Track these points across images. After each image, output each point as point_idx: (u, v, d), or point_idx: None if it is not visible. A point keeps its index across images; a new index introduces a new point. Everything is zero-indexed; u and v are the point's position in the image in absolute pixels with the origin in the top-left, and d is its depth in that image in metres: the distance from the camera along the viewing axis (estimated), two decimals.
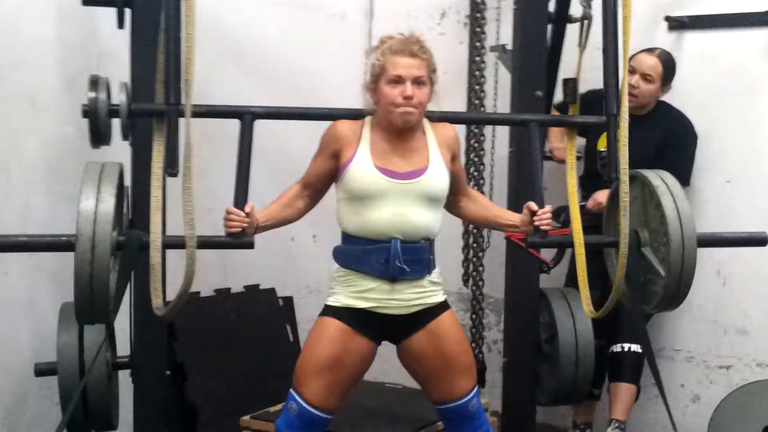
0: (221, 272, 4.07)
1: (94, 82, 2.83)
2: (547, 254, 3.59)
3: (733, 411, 3.52)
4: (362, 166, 2.60)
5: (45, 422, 3.42)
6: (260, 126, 4.15)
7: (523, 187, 3.19)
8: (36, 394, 3.43)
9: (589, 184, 3.69)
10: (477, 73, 3.70)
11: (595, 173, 3.66)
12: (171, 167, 2.16)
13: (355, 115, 2.72)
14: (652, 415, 3.83)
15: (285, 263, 4.40)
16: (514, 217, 2.82)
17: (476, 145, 3.80)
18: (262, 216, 2.63)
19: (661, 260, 2.77)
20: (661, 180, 2.77)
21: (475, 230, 3.85)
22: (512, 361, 3.53)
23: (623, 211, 2.64)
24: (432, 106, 2.66)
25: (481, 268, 3.87)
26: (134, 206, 3.05)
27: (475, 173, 3.78)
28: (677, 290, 2.76)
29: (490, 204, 2.94)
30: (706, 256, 3.73)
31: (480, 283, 3.89)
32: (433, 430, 2.98)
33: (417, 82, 2.55)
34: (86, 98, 2.83)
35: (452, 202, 2.81)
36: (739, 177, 3.72)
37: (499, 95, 3.77)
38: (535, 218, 2.71)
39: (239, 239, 2.57)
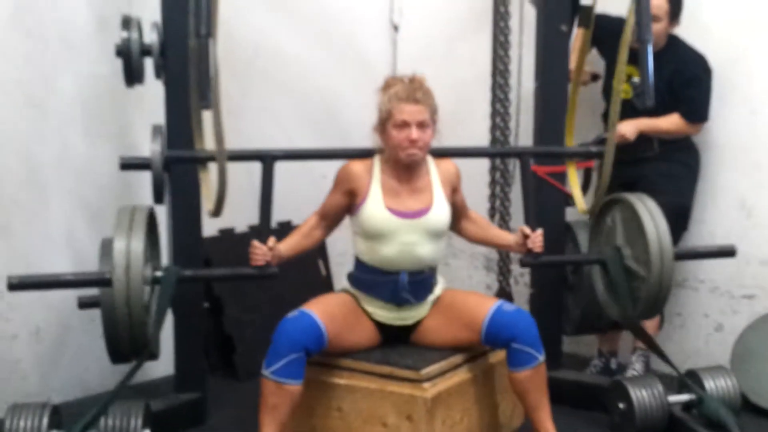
0: (255, 209, 4.12)
1: (126, 22, 2.90)
2: None
3: (756, 339, 3.56)
4: (375, 208, 2.90)
5: (89, 353, 3.54)
6: (289, 63, 4.21)
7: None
8: (79, 327, 3.54)
9: (607, 118, 3.70)
10: (502, 8, 3.70)
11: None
12: (204, 100, 2.24)
13: (366, 153, 2.97)
14: (676, 344, 3.88)
15: (317, 200, 4.42)
16: (509, 239, 3.13)
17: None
18: (284, 247, 2.96)
19: (642, 279, 3.03)
20: (645, 208, 3.03)
21: (501, 165, 3.89)
22: (539, 293, 3.61)
23: (614, 109, 2.88)
24: (434, 142, 2.91)
25: (507, 203, 3.91)
26: (169, 144, 3.12)
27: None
28: (654, 304, 3.06)
29: (489, 225, 3.25)
30: (730, 187, 3.76)
31: (507, 217, 3.93)
32: (461, 358, 3.03)
33: (420, 125, 2.81)
34: (119, 38, 2.90)
35: (455, 225, 3.12)
36: (765, 107, 3.69)
37: (524, 31, 3.77)
38: (528, 241, 3.03)
39: (263, 271, 2.90)
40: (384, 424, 2.85)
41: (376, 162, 2.96)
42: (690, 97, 3.58)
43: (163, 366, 3.61)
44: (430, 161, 2.99)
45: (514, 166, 3.93)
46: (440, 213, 2.94)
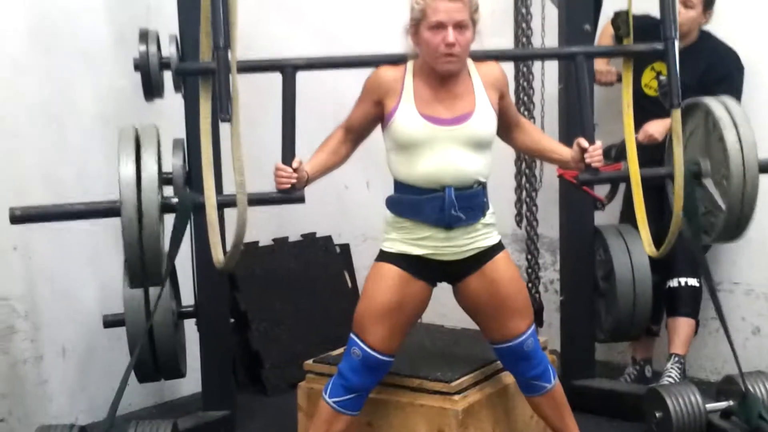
0: (278, 222, 4.12)
1: (144, 35, 2.87)
2: (601, 191, 3.57)
3: None
4: (407, 116, 2.59)
5: (116, 372, 3.46)
6: (308, 74, 4.16)
7: (574, 123, 3.18)
8: (105, 346, 3.52)
9: (636, 118, 3.63)
10: (523, 10, 3.64)
11: (642, 107, 3.60)
12: (223, 112, 2.19)
13: (397, 60, 2.70)
14: (712, 349, 3.81)
15: (340, 211, 4.43)
16: (564, 153, 2.82)
17: (525, 84, 3.76)
18: (310, 168, 2.68)
19: (722, 193, 2.74)
20: (725, 110, 2.72)
21: (527, 170, 3.82)
22: (569, 300, 3.55)
23: (677, 140, 2.62)
24: (476, 45, 2.61)
25: (534, 208, 3.84)
26: (190, 160, 3.10)
27: (525, 112, 3.74)
28: (738, 224, 2.76)
29: (542, 136, 2.92)
30: (762, 188, 3.67)
31: (534, 223, 3.87)
32: (491, 369, 3.00)
33: (458, 26, 2.52)
34: (137, 51, 2.87)
35: (504, 134, 2.82)
36: None
37: (546, 32, 3.71)
38: (586, 155, 2.72)
39: (290, 194, 2.64)
40: None
41: (409, 68, 2.65)
42: (721, 95, 3.50)
43: (190, 384, 3.58)
44: (471, 65, 2.67)
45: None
46: (484, 119, 2.61)
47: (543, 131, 3.25)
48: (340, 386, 2.69)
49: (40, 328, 3.38)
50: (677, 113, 2.65)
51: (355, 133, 2.74)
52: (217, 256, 2.52)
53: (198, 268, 3.24)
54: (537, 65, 3.74)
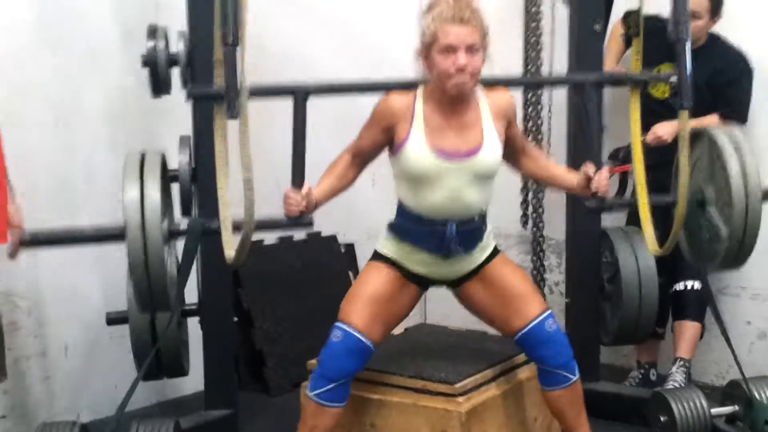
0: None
1: (153, 31, 2.86)
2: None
3: None
4: (418, 148, 2.62)
5: (118, 369, 3.49)
6: (318, 71, 4.15)
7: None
8: (108, 343, 3.52)
9: (644, 120, 3.61)
10: (533, 9, 3.63)
11: (651, 109, 3.59)
12: (230, 109, 2.18)
13: (408, 86, 2.71)
14: (718, 354, 3.79)
15: (345, 210, 4.40)
16: (570, 179, 2.85)
17: (533, 99, 3.77)
18: (318, 193, 2.69)
19: (725, 220, 2.75)
20: (728, 139, 2.75)
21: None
22: (575, 302, 3.54)
23: (683, 141, 2.63)
24: (485, 70, 2.62)
25: (540, 210, 3.84)
26: (197, 156, 3.09)
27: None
28: (739, 252, 2.79)
29: (548, 163, 2.94)
30: None
31: (540, 224, 3.86)
32: (496, 371, 2.98)
33: (469, 49, 2.53)
34: (145, 48, 2.86)
35: (510, 160, 2.85)
36: None
37: (556, 32, 3.69)
38: (592, 183, 2.74)
39: (300, 221, 2.67)
40: None
41: (419, 94, 2.67)
42: (731, 98, 3.50)
43: (193, 382, 3.56)
44: (481, 91, 2.71)
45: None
46: (491, 153, 2.66)
47: (548, 155, 3.26)
48: (320, 377, 2.68)
49: (44, 325, 3.38)
50: (685, 114, 2.65)
51: (361, 158, 2.77)
52: (230, 252, 2.52)
53: (202, 266, 3.22)
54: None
